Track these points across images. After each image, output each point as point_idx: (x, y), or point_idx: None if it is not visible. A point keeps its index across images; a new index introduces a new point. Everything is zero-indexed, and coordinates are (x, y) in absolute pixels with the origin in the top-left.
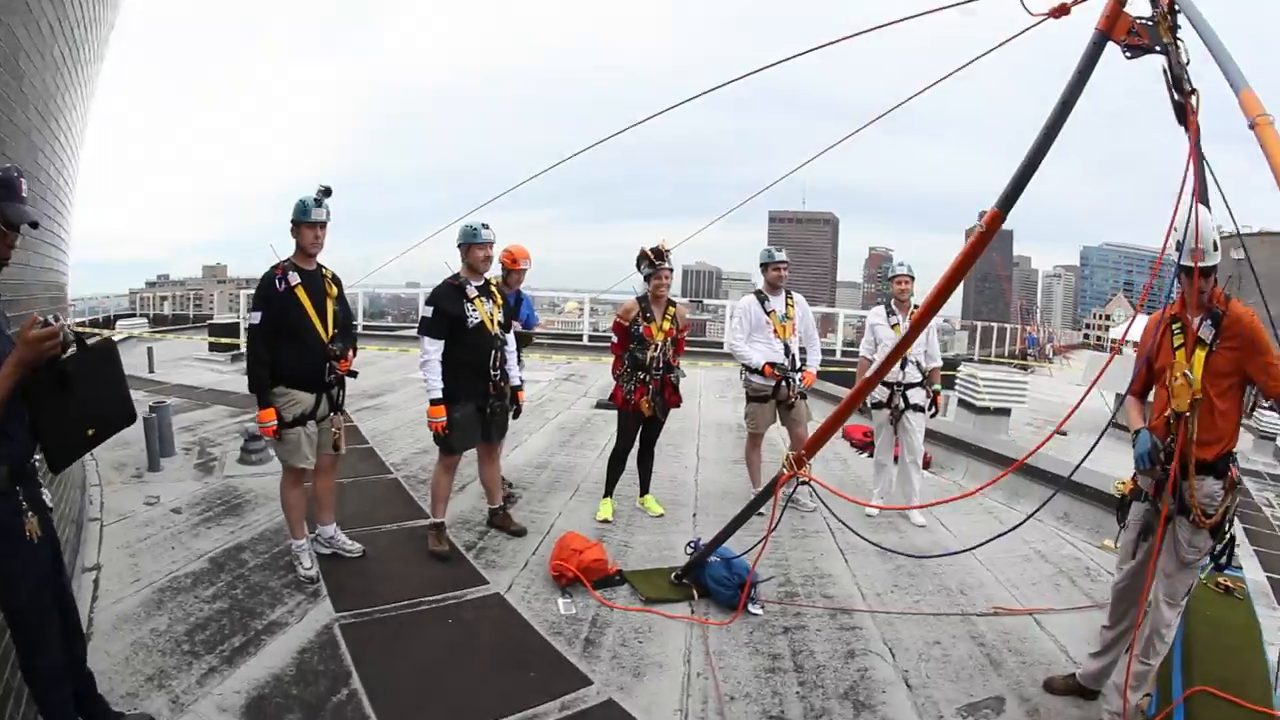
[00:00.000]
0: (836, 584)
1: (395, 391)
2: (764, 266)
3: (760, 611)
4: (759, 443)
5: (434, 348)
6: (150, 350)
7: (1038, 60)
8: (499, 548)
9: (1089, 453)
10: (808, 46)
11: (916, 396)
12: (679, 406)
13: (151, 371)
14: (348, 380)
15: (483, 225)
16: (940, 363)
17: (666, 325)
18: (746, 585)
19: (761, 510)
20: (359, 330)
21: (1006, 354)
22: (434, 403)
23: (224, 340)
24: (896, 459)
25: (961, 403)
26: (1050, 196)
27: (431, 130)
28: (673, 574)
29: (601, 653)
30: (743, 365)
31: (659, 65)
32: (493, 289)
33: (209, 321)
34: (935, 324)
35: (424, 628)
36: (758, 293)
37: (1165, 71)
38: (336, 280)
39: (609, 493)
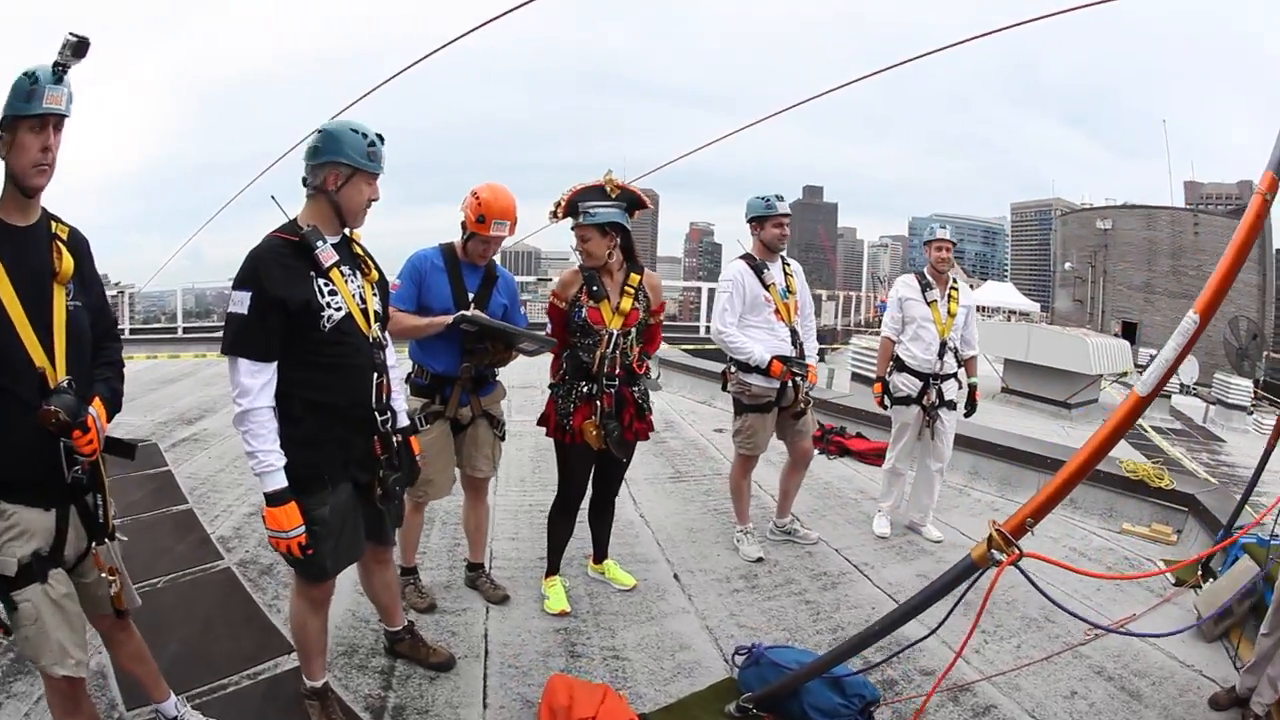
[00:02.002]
0: (922, 648)
1: (218, 412)
2: (758, 221)
3: None
4: (752, 468)
5: (256, 381)
6: None
7: (849, 41)
8: (425, 701)
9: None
10: None
11: (951, 391)
12: (648, 438)
13: None
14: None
15: (358, 133)
16: (977, 351)
17: (627, 305)
18: None
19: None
20: (179, 333)
21: (864, 322)
22: (273, 500)
23: None
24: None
25: (856, 376)
26: (877, 173)
27: (263, 113)
28: (731, 705)
29: None
30: (733, 361)
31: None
32: (357, 248)
33: None
34: (972, 304)
35: None
36: (747, 257)
37: None
38: (78, 243)
39: (555, 568)
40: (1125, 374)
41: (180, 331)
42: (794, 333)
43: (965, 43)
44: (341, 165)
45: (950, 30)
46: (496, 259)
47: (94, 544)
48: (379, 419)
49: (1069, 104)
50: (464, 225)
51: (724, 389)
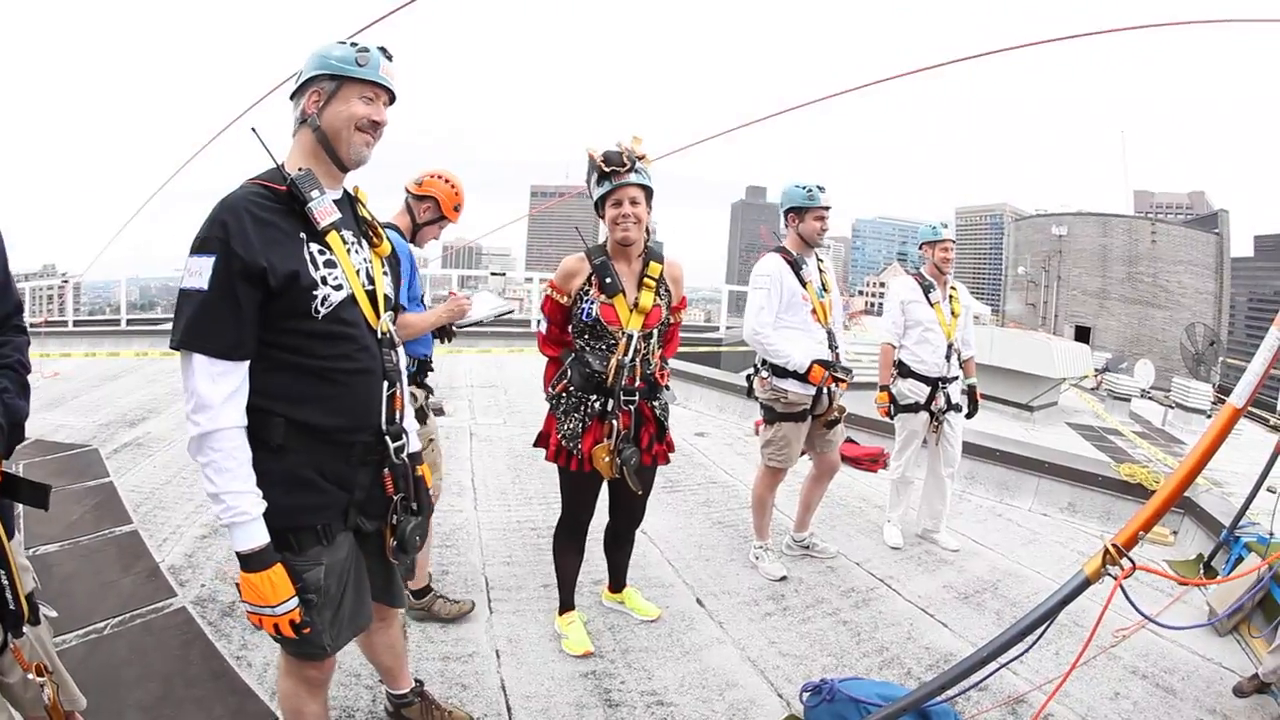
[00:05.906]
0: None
1: (162, 413)
2: (797, 212)
3: None
4: (779, 481)
5: (220, 388)
6: None
7: (792, 44)
8: None
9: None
10: None
11: (955, 394)
12: (669, 461)
13: None
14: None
15: (344, 43)
16: (975, 352)
17: (648, 301)
18: None
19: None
20: (123, 325)
21: None
22: (251, 563)
23: None
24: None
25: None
26: (820, 175)
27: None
28: None
29: None
30: (764, 364)
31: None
32: (364, 210)
33: None
34: (972, 306)
35: None
36: (782, 251)
37: None
38: None
39: (569, 602)
40: (1084, 377)
41: (124, 324)
42: (831, 335)
43: (921, 71)
44: (322, 78)
45: (908, 49)
46: None
47: (9, 636)
48: (391, 445)
49: (1016, 108)
50: (426, 209)
51: (750, 396)
